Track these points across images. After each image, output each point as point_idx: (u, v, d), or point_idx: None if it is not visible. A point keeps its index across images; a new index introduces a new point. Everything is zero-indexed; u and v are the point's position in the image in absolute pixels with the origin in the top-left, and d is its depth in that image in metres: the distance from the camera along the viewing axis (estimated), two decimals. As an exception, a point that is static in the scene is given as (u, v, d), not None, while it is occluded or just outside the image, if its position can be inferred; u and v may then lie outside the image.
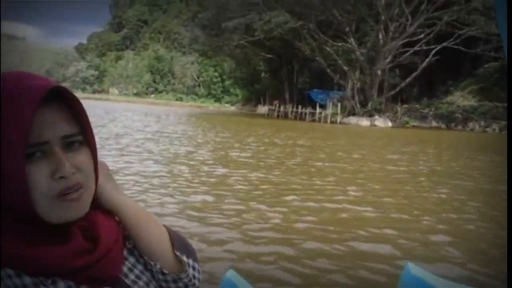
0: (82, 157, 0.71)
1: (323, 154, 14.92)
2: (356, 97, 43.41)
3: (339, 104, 43.73)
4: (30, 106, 0.64)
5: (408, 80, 41.86)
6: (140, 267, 0.83)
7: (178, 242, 0.87)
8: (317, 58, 45.02)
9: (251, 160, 12.34)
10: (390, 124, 40.51)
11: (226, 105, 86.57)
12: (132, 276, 0.79)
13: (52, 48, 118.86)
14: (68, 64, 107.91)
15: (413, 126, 39.90)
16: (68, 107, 0.71)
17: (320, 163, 12.41)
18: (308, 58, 47.68)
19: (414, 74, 41.00)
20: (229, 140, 18.72)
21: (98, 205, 0.79)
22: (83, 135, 0.72)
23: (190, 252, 0.88)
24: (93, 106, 44.85)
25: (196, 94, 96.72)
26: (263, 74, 64.34)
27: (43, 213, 0.68)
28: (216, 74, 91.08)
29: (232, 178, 9.27)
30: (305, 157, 13.76)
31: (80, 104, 0.72)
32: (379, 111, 42.01)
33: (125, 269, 0.79)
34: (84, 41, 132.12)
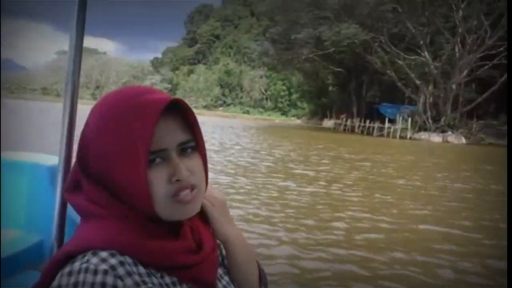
0: (195, 162, 0.78)
1: (390, 170, 14.37)
2: (428, 112, 41.70)
3: (409, 119, 42.21)
4: (153, 117, 0.71)
5: (485, 95, 39.62)
6: (226, 278, 0.90)
7: (264, 278, 0.97)
8: (388, 72, 43.88)
9: (312, 174, 12.12)
10: (464, 140, 38.45)
11: (292, 118, 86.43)
12: (220, 286, 0.86)
13: (129, 62, 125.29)
14: (143, 78, 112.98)
15: (489, 144, 37.59)
16: (182, 117, 0.77)
17: (383, 179, 11.95)
18: (378, 72, 46.61)
19: (492, 89, 38.72)
20: (293, 153, 18.57)
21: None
22: (195, 142, 0.79)
23: (267, 285, 0.98)
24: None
25: (263, 107, 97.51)
26: (331, 88, 63.66)
27: (160, 212, 0.75)
28: (284, 87, 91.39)
29: (293, 191, 9.14)
30: (369, 173, 13.31)
31: (193, 114, 0.78)
32: (453, 127, 40.05)
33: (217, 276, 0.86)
34: (160, 56, 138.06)
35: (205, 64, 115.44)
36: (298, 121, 79.15)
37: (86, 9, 0.96)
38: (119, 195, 0.75)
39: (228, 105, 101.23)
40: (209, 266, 0.82)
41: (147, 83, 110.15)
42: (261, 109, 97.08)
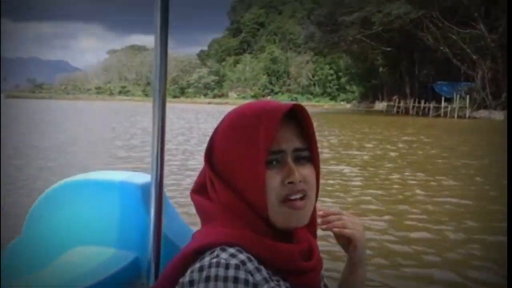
0: (308, 171, 0.81)
1: (447, 153, 13.47)
2: (487, 88, 39.35)
3: (467, 97, 40.01)
4: (275, 120, 0.77)
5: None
6: None
7: None
8: (441, 48, 41.77)
9: (369, 159, 11.50)
10: (529, 116, 36.01)
11: (342, 103, 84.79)
12: None
13: (177, 57, 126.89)
14: (191, 71, 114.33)
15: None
16: (300, 124, 0.83)
17: (441, 161, 11.15)
18: (431, 48, 44.49)
19: (558, 59, 35.88)
20: (344, 137, 17.89)
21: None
22: (309, 152, 0.83)
23: None
24: (214, 111, 46.63)
25: (311, 93, 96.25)
26: (381, 69, 61.58)
27: (272, 217, 0.79)
28: (332, 71, 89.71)
29: (356, 177, 8.93)
30: (427, 155, 12.49)
31: (311, 122, 0.83)
32: (516, 102, 37.58)
33: None
34: (206, 48, 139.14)
35: (250, 53, 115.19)
36: (348, 106, 77.51)
37: (168, 9, 1.00)
38: (239, 194, 0.79)
39: (276, 93, 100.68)
40: (317, 275, 0.85)
41: (194, 76, 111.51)
42: (309, 95, 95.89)
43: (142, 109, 50.63)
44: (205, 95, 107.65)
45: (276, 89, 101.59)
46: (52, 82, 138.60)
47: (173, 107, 58.57)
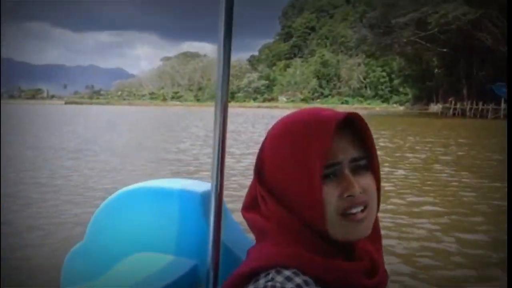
0: (367, 180, 0.75)
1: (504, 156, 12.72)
2: (553, 89, 37.09)
3: (530, 98, 37.86)
4: (329, 131, 0.72)
5: None
6: None
7: None
8: (501, 48, 39.82)
9: (422, 161, 11.07)
10: None
11: (394, 105, 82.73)
12: None
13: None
14: (241, 76, 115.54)
15: None
16: (357, 133, 0.77)
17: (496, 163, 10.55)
18: (490, 49, 42.52)
19: None
20: (400, 140, 17.37)
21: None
22: (367, 160, 0.77)
23: None
24: (263, 115, 46.72)
25: (362, 96, 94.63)
26: (436, 70, 59.54)
27: (332, 230, 0.73)
28: (384, 74, 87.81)
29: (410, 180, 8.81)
30: (483, 158, 11.87)
31: (368, 130, 0.77)
32: None
33: None
34: (256, 53, 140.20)
35: (301, 57, 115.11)
36: (401, 108, 75.54)
37: (233, 16, 0.99)
38: (293, 210, 0.74)
39: (326, 96, 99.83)
40: None
41: (245, 81, 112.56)
42: (360, 98, 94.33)
43: (194, 114, 51.49)
44: (255, 99, 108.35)
45: (326, 92, 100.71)
46: (109, 89, 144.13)
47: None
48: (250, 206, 0.80)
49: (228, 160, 12.55)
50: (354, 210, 0.73)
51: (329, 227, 0.73)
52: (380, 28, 49.95)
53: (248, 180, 9.65)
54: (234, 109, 73.00)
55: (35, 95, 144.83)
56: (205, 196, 1.13)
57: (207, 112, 60.97)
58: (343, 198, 0.73)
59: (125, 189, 1.24)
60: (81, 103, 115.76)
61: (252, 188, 0.81)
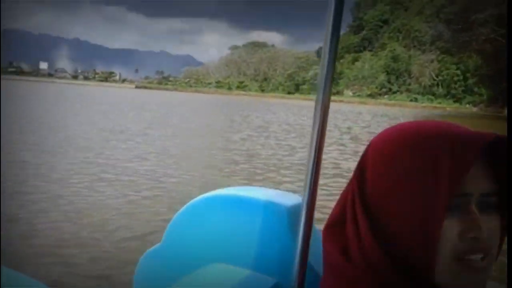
0: (494, 223, 0.62)
1: None
2: None
3: None
4: (470, 159, 0.59)
5: None
6: None
7: None
8: None
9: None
10: None
11: (467, 106, 78.51)
12: None
13: (295, 53, 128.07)
14: (308, 68, 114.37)
15: None
16: (493, 161, 0.64)
17: None
18: None
19: None
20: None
21: None
22: (498, 197, 0.64)
23: None
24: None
25: (433, 94, 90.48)
26: (516, 71, 55.65)
27: (439, 276, 0.60)
28: (458, 72, 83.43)
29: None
30: None
31: (507, 160, 0.63)
32: None
33: None
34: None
35: (370, 50, 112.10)
36: (474, 109, 71.58)
37: (342, 11, 0.94)
38: (392, 245, 0.61)
39: (394, 92, 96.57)
40: None
41: (310, 73, 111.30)
42: (430, 96, 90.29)
43: (258, 104, 51.54)
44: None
45: (395, 88, 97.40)
46: (178, 75, 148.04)
47: (286, 103, 58.71)
48: (335, 223, 0.68)
49: (293, 155, 12.37)
50: (473, 257, 0.60)
51: (437, 274, 0.60)
52: (458, 24, 47.40)
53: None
54: (298, 101, 72.36)
55: (108, 77, 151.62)
56: (292, 210, 1.07)
57: (271, 103, 60.86)
58: (464, 239, 0.60)
59: (207, 194, 1.21)
60: (150, 88, 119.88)
61: (340, 203, 0.69)
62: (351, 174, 0.69)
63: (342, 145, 15.71)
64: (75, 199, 6.69)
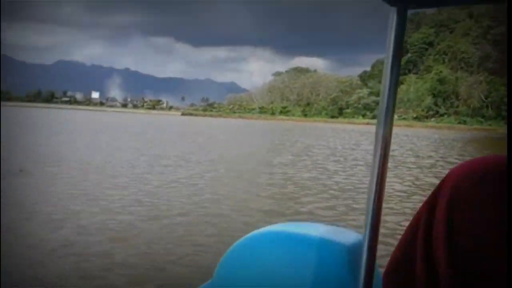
0: None
1: None
2: None
3: None
4: None
5: None
6: None
7: None
8: None
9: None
10: None
11: (521, 127, 75.40)
12: None
13: (338, 78, 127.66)
14: (351, 92, 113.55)
15: None
16: None
17: None
18: None
19: None
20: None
21: None
22: None
23: None
24: (372, 132, 45.59)
25: (483, 116, 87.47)
26: None
27: None
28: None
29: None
30: None
31: None
32: None
33: None
34: (369, 68, 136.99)
35: (415, 73, 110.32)
36: (528, 131, 68.55)
37: (403, 38, 0.87)
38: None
39: (442, 115, 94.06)
40: None
41: (354, 97, 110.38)
42: (480, 118, 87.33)
43: (301, 129, 51.62)
44: (364, 115, 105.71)
45: (442, 110, 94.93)
46: (222, 102, 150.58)
47: (331, 127, 58.37)
48: (396, 269, 0.63)
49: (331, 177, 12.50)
50: None
51: None
52: (506, 45, 46.27)
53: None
54: (342, 125, 71.84)
55: (155, 105, 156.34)
56: (351, 249, 0.99)
57: (313, 127, 60.73)
58: None
59: (259, 230, 1.15)
60: (196, 115, 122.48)
61: (404, 243, 0.64)
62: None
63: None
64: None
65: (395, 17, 0.86)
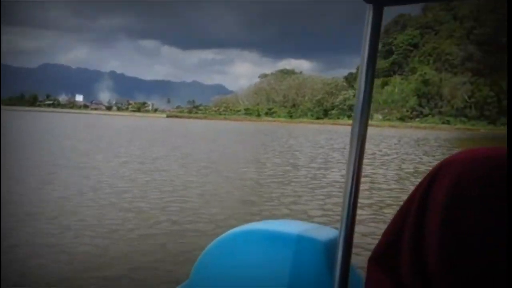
0: None
1: None
2: None
3: None
4: None
5: None
6: None
7: None
8: None
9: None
10: None
11: (502, 127, 76.12)
12: None
13: (324, 80, 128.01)
14: (337, 93, 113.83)
15: None
16: None
17: None
18: None
19: None
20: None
21: None
22: None
23: None
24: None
25: (466, 116, 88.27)
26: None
27: None
28: (492, 93, 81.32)
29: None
30: None
31: None
32: None
33: None
34: (354, 70, 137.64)
35: (400, 75, 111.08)
36: (510, 131, 69.27)
37: (378, 40, 0.88)
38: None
39: (426, 115, 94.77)
40: None
41: (340, 98, 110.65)
42: (463, 118, 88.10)
43: (285, 130, 51.35)
44: (349, 116, 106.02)
45: (426, 111, 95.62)
46: (208, 104, 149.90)
47: (317, 128, 58.18)
48: (383, 255, 0.61)
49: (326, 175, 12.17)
50: None
51: None
52: (489, 46, 46.54)
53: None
54: (326, 126, 71.78)
55: (140, 108, 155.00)
56: (328, 245, 0.98)
57: (298, 128, 60.55)
58: None
59: (237, 229, 1.15)
60: (181, 117, 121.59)
61: (390, 230, 0.61)
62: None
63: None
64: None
65: (371, 13, 0.85)
